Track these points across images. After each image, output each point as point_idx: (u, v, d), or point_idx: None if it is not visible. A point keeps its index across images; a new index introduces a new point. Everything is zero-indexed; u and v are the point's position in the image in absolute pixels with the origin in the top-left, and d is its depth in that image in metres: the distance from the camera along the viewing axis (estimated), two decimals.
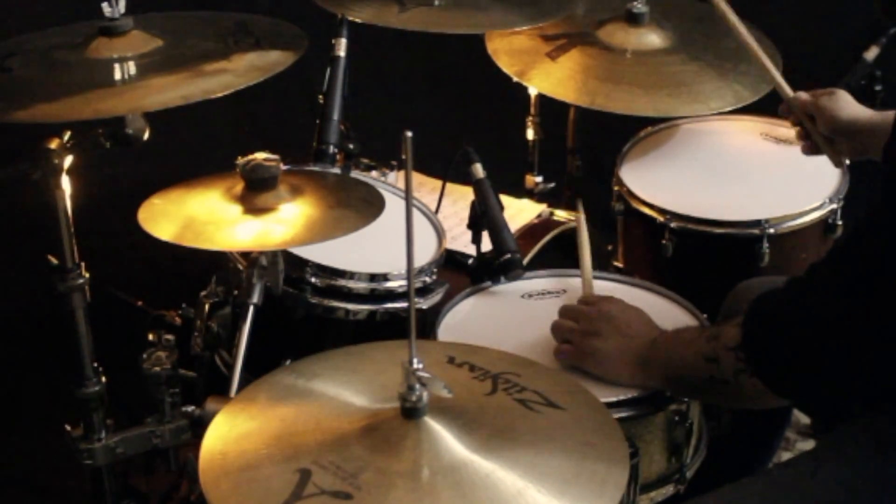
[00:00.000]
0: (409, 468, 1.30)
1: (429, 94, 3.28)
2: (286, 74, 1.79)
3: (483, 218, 2.00)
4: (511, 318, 1.94)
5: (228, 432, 1.39)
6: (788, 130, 2.27)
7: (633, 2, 2.41)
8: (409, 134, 1.25)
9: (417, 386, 1.32)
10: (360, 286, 1.92)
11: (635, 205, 2.30)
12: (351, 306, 1.92)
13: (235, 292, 1.93)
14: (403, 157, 1.27)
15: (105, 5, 1.78)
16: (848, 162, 2.27)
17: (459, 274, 2.07)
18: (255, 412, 1.43)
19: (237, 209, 1.75)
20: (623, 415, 1.72)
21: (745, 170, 2.38)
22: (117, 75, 1.76)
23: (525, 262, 2.03)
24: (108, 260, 1.99)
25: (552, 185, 2.64)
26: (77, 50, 1.79)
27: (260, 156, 1.76)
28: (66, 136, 1.70)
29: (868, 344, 1.50)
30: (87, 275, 1.74)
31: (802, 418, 2.60)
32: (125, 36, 1.80)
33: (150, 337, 1.83)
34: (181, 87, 1.72)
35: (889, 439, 1.59)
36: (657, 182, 2.33)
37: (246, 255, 1.85)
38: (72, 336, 1.75)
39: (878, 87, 2.39)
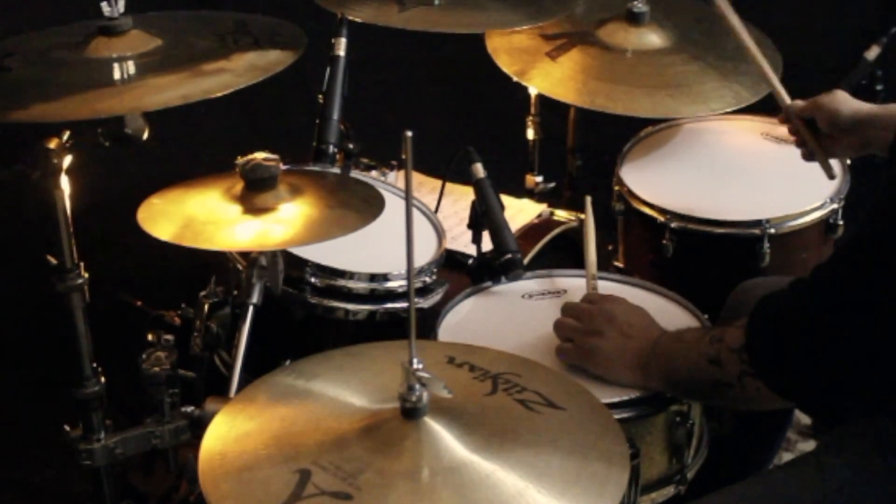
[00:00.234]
0: (409, 469, 1.30)
1: (429, 93, 3.28)
2: (286, 74, 1.79)
3: (483, 218, 2.00)
4: (511, 319, 1.94)
5: (228, 432, 1.39)
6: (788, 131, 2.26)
7: (634, 1, 2.40)
8: (409, 134, 1.24)
9: (417, 386, 1.32)
10: (360, 286, 1.92)
11: (636, 205, 2.30)
12: (351, 306, 1.92)
13: (235, 292, 1.92)
14: (403, 156, 1.27)
15: (104, 5, 1.77)
16: (849, 161, 2.27)
17: (459, 274, 2.07)
18: (255, 412, 1.43)
19: (237, 209, 1.74)
20: (624, 415, 1.72)
21: (745, 170, 2.38)
22: (116, 75, 1.75)
23: (525, 262, 2.03)
24: (107, 260, 2.00)
25: (552, 184, 2.64)
26: (76, 49, 1.78)
27: (259, 155, 1.75)
28: (66, 135, 1.69)
29: (871, 346, 1.50)
30: (86, 275, 1.74)
31: (804, 419, 2.60)
32: (124, 35, 1.79)
33: (150, 337, 1.83)
34: (180, 87, 1.72)
35: (890, 440, 1.59)
36: (658, 182, 2.33)
37: (245, 255, 1.84)
38: (71, 336, 1.75)
39: (879, 87, 2.39)
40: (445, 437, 1.32)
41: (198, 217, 1.74)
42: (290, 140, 2.30)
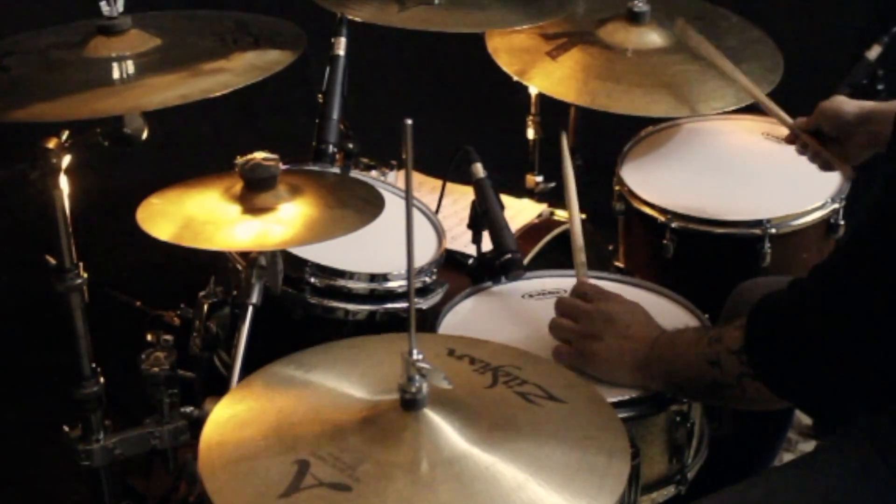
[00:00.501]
0: (408, 460, 1.29)
1: (429, 93, 3.28)
2: (285, 74, 1.79)
3: (483, 218, 1.99)
4: (511, 319, 1.94)
5: (227, 422, 1.39)
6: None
7: (634, 1, 2.40)
8: (409, 122, 1.23)
9: (417, 377, 1.31)
10: (360, 286, 1.91)
11: (636, 205, 2.29)
12: (350, 306, 1.91)
13: (234, 292, 1.92)
14: (403, 152, 1.25)
15: (103, 4, 1.77)
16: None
17: (459, 274, 2.06)
18: (254, 403, 1.42)
19: (236, 209, 1.74)
20: (624, 415, 1.70)
21: (746, 169, 2.38)
22: (115, 74, 1.75)
23: (525, 261, 2.02)
24: (106, 260, 2.00)
25: (553, 184, 2.64)
26: (75, 49, 1.78)
27: (259, 155, 1.75)
28: (65, 135, 1.69)
29: (871, 346, 1.50)
30: (86, 275, 1.74)
31: (804, 419, 2.60)
32: (123, 35, 1.79)
33: (149, 337, 1.82)
34: (180, 87, 1.72)
35: (891, 441, 1.58)
36: (658, 182, 2.33)
37: (245, 255, 1.84)
38: (70, 336, 1.75)
39: (880, 87, 2.38)
40: (445, 429, 1.32)
41: (197, 217, 1.73)
42: (290, 140, 2.29)
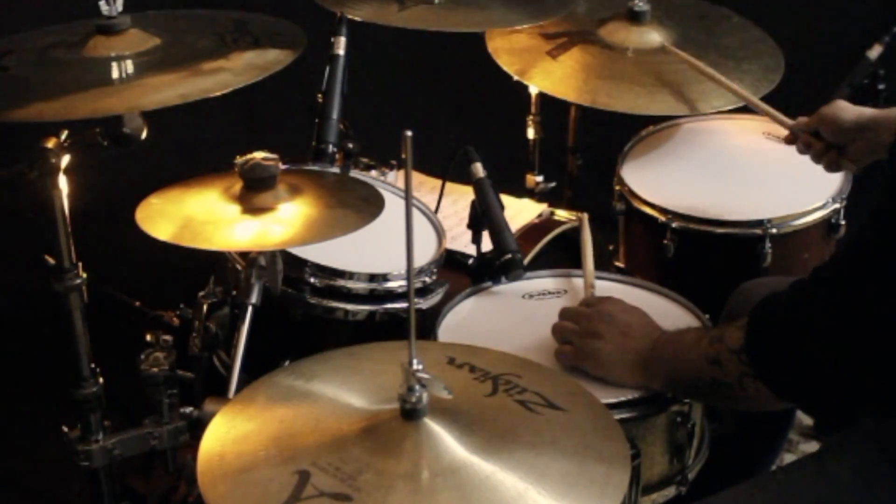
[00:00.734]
0: (408, 470, 1.29)
1: (429, 93, 3.27)
2: (285, 73, 1.78)
3: (483, 218, 1.99)
4: (512, 319, 1.93)
5: (227, 433, 1.38)
6: None
7: (635, 0, 2.40)
8: (409, 133, 1.24)
9: (417, 387, 1.31)
10: (360, 286, 1.91)
11: (637, 204, 2.29)
12: (350, 307, 1.91)
13: (234, 293, 1.92)
14: (403, 156, 1.26)
15: (102, 3, 1.77)
16: None
17: (459, 274, 2.06)
18: (254, 413, 1.42)
19: (235, 209, 1.74)
20: (625, 416, 1.71)
21: (747, 169, 2.38)
22: (115, 74, 1.75)
23: (526, 262, 2.02)
24: (105, 260, 1.98)
25: (553, 184, 2.64)
26: (74, 48, 1.78)
27: (258, 155, 1.75)
28: (64, 135, 1.69)
29: (872, 347, 1.50)
30: (85, 275, 1.73)
31: (805, 420, 2.60)
32: (123, 34, 1.79)
33: (148, 337, 1.82)
34: (179, 86, 1.71)
35: (892, 441, 1.58)
36: (659, 181, 2.33)
37: (244, 255, 1.84)
38: (69, 337, 1.74)
39: (881, 86, 2.38)
40: (445, 438, 1.32)
41: (196, 217, 1.73)
42: (290, 139, 2.29)
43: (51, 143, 1.66)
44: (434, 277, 1.98)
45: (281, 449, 1.34)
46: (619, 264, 2.39)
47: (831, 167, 2.11)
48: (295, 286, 1.88)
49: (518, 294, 2.00)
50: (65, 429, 1.79)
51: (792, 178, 2.29)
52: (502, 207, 2.01)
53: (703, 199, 2.26)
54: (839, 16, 3.01)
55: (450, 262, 2.08)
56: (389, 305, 1.93)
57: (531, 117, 2.59)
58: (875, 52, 2.39)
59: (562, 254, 2.24)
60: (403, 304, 1.92)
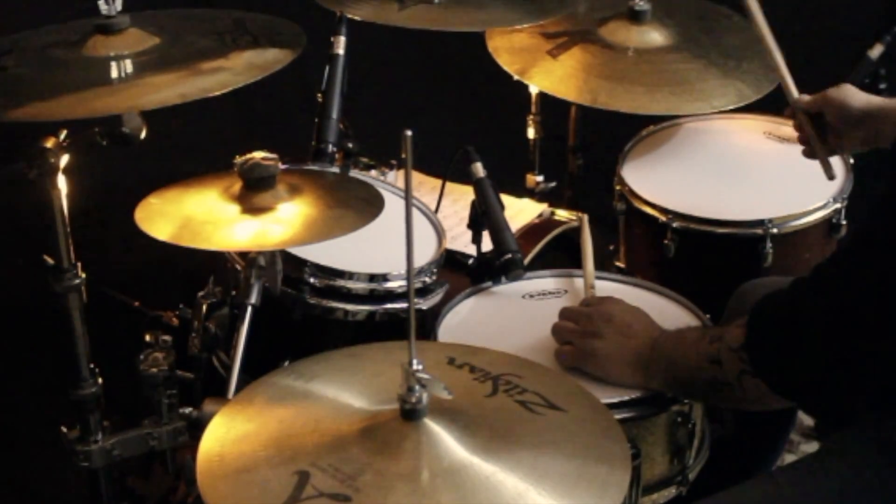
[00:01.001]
0: (408, 470, 1.29)
1: (429, 92, 3.27)
2: (284, 73, 1.78)
3: (483, 217, 1.99)
4: (512, 319, 1.93)
5: (226, 434, 1.38)
6: (792, 129, 2.25)
7: None
8: (409, 133, 1.23)
9: (417, 387, 1.31)
10: (360, 286, 1.91)
11: (637, 204, 2.29)
12: (350, 307, 1.91)
13: (233, 293, 1.92)
14: (403, 156, 1.25)
15: (102, 3, 1.77)
16: (852, 160, 2.26)
17: (459, 274, 2.06)
18: (253, 414, 1.42)
19: (235, 209, 1.74)
20: (625, 416, 1.71)
21: (748, 169, 2.37)
22: (114, 73, 1.74)
23: (526, 262, 2.02)
24: (104, 260, 1.98)
25: (553, 184, 2.63)
26: (73, 48, 1.77)
27: (258, 155, 1.75)
28: (63, 134, 1.69)
29: (872, 345, 1.49)
30: (84, 275, 1.73)
31: (806, 420, 2.59)
32: (122, 34, 1.78)
33: (147, 338, 1.82)
34: (178, 86, 1.71)
35: (893, 442, 1.58)
36: (659, 181, 2.32)
37: (244, 255, 1.84)
38: (68, 337, 1.74)
39: (882, 86, 2.37)
40: (445, 439, 1.31)
41: (196, 217, 1.73)
42: (289, 139, 2.29)
43: (50, 143, 1.66)
44: (434, 277, 1.98)
45: (280, 449, 1.33)
46: (620, 264, 2.39)
47: (809, 155, 2.09)
48: (294, 286, 1.88)
49: (518, 294, 1.99)
50: (64, 429, 1.79)
51: (793, 177, 2.28)
52: (502, 207, 2.01)
53: (704, 198, 2.26)
54: (840, 15, 3.01)
55: (450, 262, 2.07)
56: (389, 305, 1.92)
57: (531, 117, 2.58)
58: (876, 51, 2.38)
59: (562, 254, 2.24)
60: (403, 305, 1.92)
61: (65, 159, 1.68)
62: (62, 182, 1.68)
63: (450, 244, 2.10)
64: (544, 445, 1.35)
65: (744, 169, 2.37)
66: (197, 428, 1.71)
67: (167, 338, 1.82)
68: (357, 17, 2.20)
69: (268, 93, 1.99)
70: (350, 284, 1.90)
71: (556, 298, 1.98)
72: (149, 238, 1.68)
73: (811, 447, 2.57)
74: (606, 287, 2.00)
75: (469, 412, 1.37)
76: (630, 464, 1.34)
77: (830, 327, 1.50)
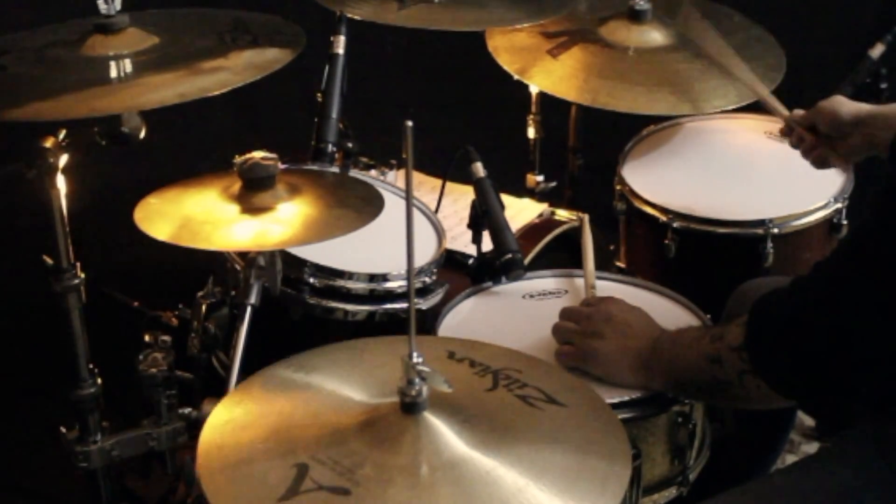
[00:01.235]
0: (408, 464, 1.28)
1: (429, 92, 3.27)
2: (284, 72, 1.78)
3: (484, 217, 1.99)
4: (512, 319, 1.93)
5: (226, 425, 1.38)
6: None
7: None
8: (410, 123, 1.22)
9: (417, 380, 1.30)
10: (359, 287, 1.90)
11: (638, 204, 2.29)
12: (350, 307, 1.90)
13: (233, 293, 1.92)
14: (403, 152, 1.24)
15: (101, 2, 1.77)
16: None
17: (459, 274, 2.06)
18: (253, 405, 1.42)
19: (234, 208, 1.73)
20: (625, 416, 1.70)
21: (748, 169, 2.37)
22: (113, 73, 1.74)
23: (526, 262, 2.01)
24: (103, 260, 1.99)
25: (553, 184, 2.63)
26: (72, 47, 1.77)
27: (257, 154, 1.74)
28: (62, 134, 1.69)
29: (872, 345, 1.49)
30: (83, 275, 1.73)
31: (807, 420, 2.59)
32: (121, 33, 1.78)
33: (147, 338, 1.82)
34: (178, 85, 1.71)
35: (891, 444, 1.58)
36: (660, 181, 2.32)
37: (243, 255, 1.83)
38: (67, 337, 1.74)
39: (883, 85, 2.37)
40: (445, 433, 1.31)
41: (195, 217, 1.72)
42: (289, 139, 2.28)
43: (49, 143, 1.66)
44: (434, 277, 1.97)
45: (280, 441, 1.33)
46: (620, 264, 2.39)
47: (819, 164, 2.10)
48: (294, 286, 1.87)
49: (518, 294, 1.99)
50: (63, 430, 1.79)
51: (794, 177, 2.28)
52: (503, 207, 2.01)
53: (705, 198, 2.25)
54: (841, 15, 3.01)
55: (450, 262, 2.07)
56: (389, 306, 1.92)
57: (531, 117, 2.58)
58: (877, 50, 2.38)
59: (562, 254, 2.23)
60: (403, 305, 1.91)
61: (64, 159, 1.68)
62: (61, 182, 1.68)
63: (450, 244, 2.10)
64: (544, 440, 1.34)
65: (744, 169, 2.37)
66: (196, 428, 1.71)
67: (166, 338, 1.82)
68: (357, 17, 2.20)
69: (267, 93, 1.99)
70: (350, 284, 1.90)
71: (557, 298, 1.98)
72: (148, 238, 1.67)
73: (811, 447, 2.57)
74: (607, 287, 1.99)
75: (469, 406, 1.36)
76: (630, 459, 1.34)
77: (831, 325, 1.50)
